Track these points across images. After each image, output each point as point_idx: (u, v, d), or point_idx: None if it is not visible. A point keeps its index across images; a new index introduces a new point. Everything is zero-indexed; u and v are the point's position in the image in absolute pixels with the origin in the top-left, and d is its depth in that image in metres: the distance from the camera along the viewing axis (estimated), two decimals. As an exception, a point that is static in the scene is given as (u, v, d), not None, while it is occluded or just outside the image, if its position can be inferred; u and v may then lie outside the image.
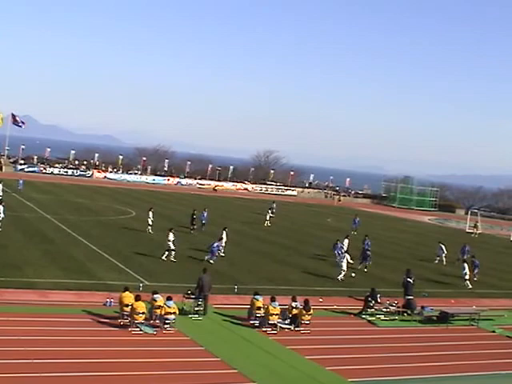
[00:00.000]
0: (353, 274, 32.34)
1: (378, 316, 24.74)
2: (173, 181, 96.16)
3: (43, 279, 25.23)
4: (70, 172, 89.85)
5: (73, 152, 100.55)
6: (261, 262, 35.18)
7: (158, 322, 20.43)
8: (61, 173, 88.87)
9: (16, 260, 28.14)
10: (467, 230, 67.32)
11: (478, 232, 65.23)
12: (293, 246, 42.97)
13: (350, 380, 17.50)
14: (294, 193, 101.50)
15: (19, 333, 18.35)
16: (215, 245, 32.91)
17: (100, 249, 33.02)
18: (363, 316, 24.72)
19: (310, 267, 34.66)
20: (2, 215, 35.38)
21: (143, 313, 20.01)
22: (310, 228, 55.73)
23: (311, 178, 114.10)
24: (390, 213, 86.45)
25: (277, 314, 21.61)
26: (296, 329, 21.85)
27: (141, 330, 19.83)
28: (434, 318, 25.32)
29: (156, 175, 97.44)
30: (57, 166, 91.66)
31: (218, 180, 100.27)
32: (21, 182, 60.70)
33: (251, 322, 21.97)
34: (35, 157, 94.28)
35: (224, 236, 35.13)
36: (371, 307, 25.03)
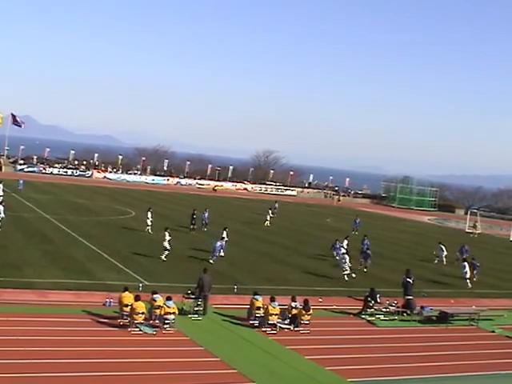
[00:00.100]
0: (353, 275, 32.34)
1: (377, 316, 24.74)
2: (172, 181, 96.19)
3: (43, 279, 25.23)
4: (69, 172, 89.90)
5: (72, 152, 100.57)
6: (260, 262, 35.19)
7: (157, 322, 20.43)
8: (60, 173, 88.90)
9: (16, 260, 28.13)
10: (467, 230, 67.34)
11: (478, 232, 65.26)
12: (292, 246, 42.98)
13: (349, 380, 17.50)
14: (294, 193, 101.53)
15: (18, 333, 18.34)
16: (218, 244, 33.07)
17: (99, 249, 33.02)
18: (363, 316, 24.72)
19: (310, 267, 34.66)
20: (3, 215, 35.39)
21: (143, 313, 20.01)
22: (309, 228, 55.74)
23: (311, 178, 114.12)
24: (389, 213, 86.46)
25: (276, 314, 21.61)
26: (295, 329, 21.84)
27: (140, 330, 19.83)
28: (434, 317, 25.32)
29: (155, 175, 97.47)
30: (56, 166, 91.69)
31: (218, 180, 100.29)
32: (21, 182, 60.73)
33: (251, 322, 21.97)
34: (35, 157, 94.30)
35: (225, 235, 35.14)
36: (371, 307, 25.03)
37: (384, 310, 25.22)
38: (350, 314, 24.98)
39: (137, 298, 20.14)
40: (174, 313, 20.40)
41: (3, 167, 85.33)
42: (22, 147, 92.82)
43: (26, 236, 34.62)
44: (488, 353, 21.75)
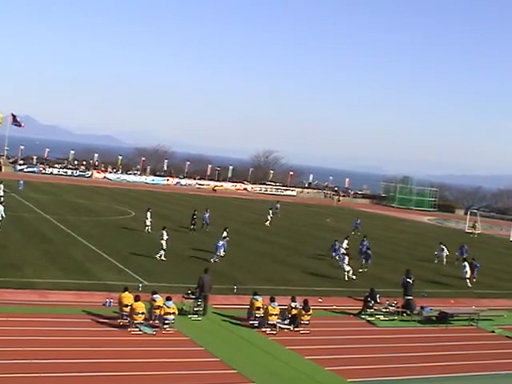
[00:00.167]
0: (354, 277, 32.35)
1: (377, 316, 24.75)
2: (172, 181, 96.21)
3: (43, 279, 25.24)
4: (69, 172, 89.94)
5: (72, 152, 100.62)
6: (260, 262, 35.20)
7: (157, 322, 20.44)
8: (60, 173, 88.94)
9: (16, 260, 28.15)
10: (466, 230, 67.35)
11: (477, 232, 65.28)
12: (292, 246, 42.99)
13: (349, 380, 17.50)
14: (294, 193, 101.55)
15: (18, 333, 18.35)
16: (220, 244, 33.20)
17: (99, 249, 33.03)
18: (362, 316, 24.73)
19: (310, 267, 34.67)
20: (3, 214, 35.40)
21: (143, 313, 20.02)
22: (309, 228, 55.75)
23: (310, 178, 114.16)
24: (389, 213, 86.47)
25: (276, 315, 21.62)
26: (295, 329, 21.85)
27: (140, 331, 19.83)
28: (434, 318, 25.33)
29: (155, 175, 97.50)
30: (56, 166, 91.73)
31: (218, 180, 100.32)
32: (21, 182, 60.79)
33: (251, 322, 21.98)
34: (35, 157, 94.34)
35: (225, 235, 35.12)
36: (371, 307, 25.03)
37: (384, 310, 25.22)
38: (350, 314, 24.98)
39: (137, 299, 20.15)
40: (173, 313, 20.40)
41: (3, 167, 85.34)
42: (21, 147, 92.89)
43: (25, 236, 34.63)
44: (488, 353, 21.76)
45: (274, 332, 21.32)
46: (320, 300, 25.94)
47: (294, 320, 22.02)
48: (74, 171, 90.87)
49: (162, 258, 31.79)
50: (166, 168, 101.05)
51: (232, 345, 19.71)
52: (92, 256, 31.26)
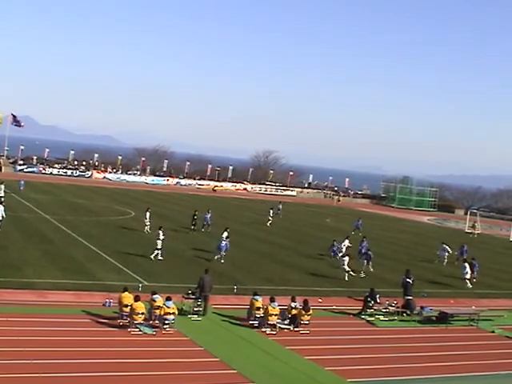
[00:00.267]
0: (362, 274, 32.63)
1: (377, 316, 24.74)
2: (172, 181, 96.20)
3: (42, 279, 25.23)
4: (69, 172, 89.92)
5: (72, 152, 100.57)
6: (260, 262, 35.19)
7: (157, 322, 20.43)
8: (60, 173, 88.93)
9: (15, 260, 28.14)
10: (466, 230, 67.34)
11: (477, 232, 65.25)
12: (292, 246, 42.99)
13: (349, 380, 17.50)
14: (293, 193, 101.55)
15: (18, 333, 18.35)
16: (223, 244, 33.42)
17: (99, 249, 33.02)
18: (362, 316, 24.72)
19: (310, 267, 34.67)
20: (3, 215, 35.40)
21: (142, 313, 20.01)
22: (309, 228, 55.75)
23: (310, 178, 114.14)
24: (389, 213, 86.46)
25: (276, 315, 21.62)
26: (295, 329, 21.84)
27: (140, 331, 19.83)
28: (434, 318, 25.32)
29: (155, 175, 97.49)
30: (56, 166, 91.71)
31: (218, 180, 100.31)
32: (22, 182, 60.77)
33: (250, 322, 21.97)
34: (34, 157, 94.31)
35: (226, 235, 35.09)
36: (370, 307, 25.03)
37: (384, 310, 25.21)
38: (350, 314, 24.98)
39: (136, 299, 20.14)
40: (173, 313, 20.39)
41: (3, 168, 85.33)
42: (21, 147, 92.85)
43: (25, 236, 34.62)
44: (488, 353, 21.75)
45: (274, 332, 21.32)
46: (320, 300, 25.94)
47: (294, 320, 22.01)
48: (74, 171, 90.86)
49: (159, 257, 31.66)
50: (165, 168, 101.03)
51: (232, 345, 19.70)
52: (92, 256, 31.25)
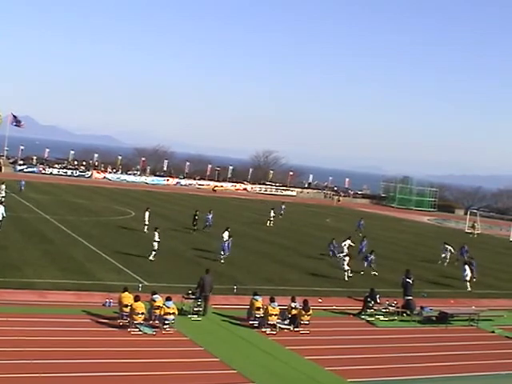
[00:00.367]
0: (375, 273, 32.84)
1: (377, 316, 24.74)
2: (172, 181, 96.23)
3: (42, 279, 25.24)
4: (69, 172, 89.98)
5: (72, 152, 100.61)
6: (260, 262, 35.19)
7: (157, 322, 20.43)
8: (60, 173, 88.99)
9: (15, 260, 28.14)
10: (466, 231, 67.36)
11: (477, 232, 65.24)
12: (292, 246, 42.99)
13: (349, 380, 17.50)
14: (293, 193, 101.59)
15: (18, 333, 18.34)
16: (226, 244, 33.55)
17: (99, 249, 33.02)
18: (362, 316, 24.73)
19: (310, 267, 34.67)
20: (4, 214, 35.40)
21: (142, 313, 20.01)
22: (309, 228, 55.76)
23: (310, 178, 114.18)
24: (389, 213, 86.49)
25: (276, 315, 21.62)
26: (295, 329, 21.84)
27: (140, 331, 19.83)
28: (434, 318, 25.32)
29: (155, 176, 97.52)
30: (56, 166, 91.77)
31: (218, 180, 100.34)
32: (23, 182, 60.76)
33: (250, 322, 21.97)
34: (34, 157, 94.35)
35: (226, 235, 35.12)
36: (370, 307, 25.03)
37: (384, 310, 25.21)
38: (350, 314, 24.99)
39: (136, 299, 20.14)
40: (173, 313, 20.40)
41: (3, 168, 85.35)
42: (21, 147, 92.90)
43: (25, 236, 34.63)
44: (488, 353, 21.75)
45: (274, 332, 21.32)
46: (320, 300, 25.94)
47: (294, 320, 22.01)
48: (74, 171, 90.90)
49: (150, 257, 31.55)
50: (165, 168, 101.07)
51: (232, 345, 19.71)
52: (92, 256, 31.26)
